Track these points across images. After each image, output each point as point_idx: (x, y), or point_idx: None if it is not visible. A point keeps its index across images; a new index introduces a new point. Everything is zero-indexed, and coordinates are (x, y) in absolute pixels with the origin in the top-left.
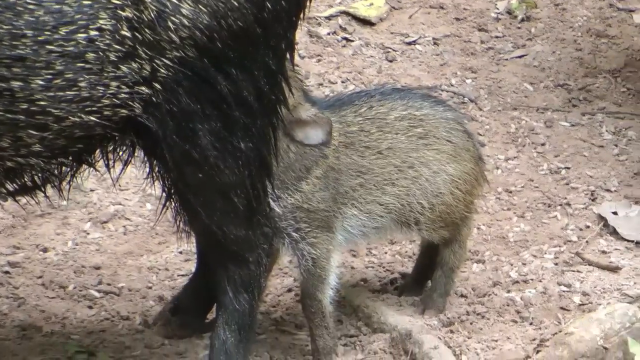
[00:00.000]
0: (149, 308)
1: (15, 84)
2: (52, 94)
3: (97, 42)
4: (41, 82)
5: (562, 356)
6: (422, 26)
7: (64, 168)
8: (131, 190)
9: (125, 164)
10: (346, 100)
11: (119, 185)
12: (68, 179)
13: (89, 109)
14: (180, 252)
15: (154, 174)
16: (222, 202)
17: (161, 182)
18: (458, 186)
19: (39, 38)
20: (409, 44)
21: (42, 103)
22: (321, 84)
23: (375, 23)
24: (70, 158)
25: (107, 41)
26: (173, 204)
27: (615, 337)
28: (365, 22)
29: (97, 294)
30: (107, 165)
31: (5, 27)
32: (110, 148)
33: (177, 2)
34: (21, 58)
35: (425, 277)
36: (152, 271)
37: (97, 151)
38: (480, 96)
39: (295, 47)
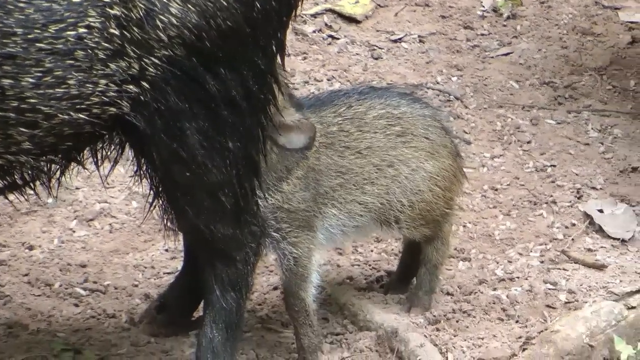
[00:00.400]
0: (135, 306)
1: (6, 81)
2: (41, 91)
3: (85, 40)
4: (31, 80)
5: (548, 354)
6: (407, 24)
7: (53, 165)
8: (117, 188)
9: (115, 162)
10: (326, 100)
11: (106, 184)
12: (57, 176)
13: (78, 106)
14: (167, 250)
15: (142, 172)
16: (210, 201)
17: (149, 181)
18: (437, 183)
19: (29, 36)
20: (395, 41)
21: (32, 101)
22: (307, 82)
23: (361, 21)
24: (60, 156)
25: (96, 39)
26: (160, 202)
27: (601, 335)
28: (351, 19)
29: (83, 292)
30: (96, 164)
31: None
32: (99, 146)
33: (166, 1)
34: (11, 56)
35: (410, 275)
36: (138, 269)
37: (86, 149)
38: (466, 94)
39: (286, 47)
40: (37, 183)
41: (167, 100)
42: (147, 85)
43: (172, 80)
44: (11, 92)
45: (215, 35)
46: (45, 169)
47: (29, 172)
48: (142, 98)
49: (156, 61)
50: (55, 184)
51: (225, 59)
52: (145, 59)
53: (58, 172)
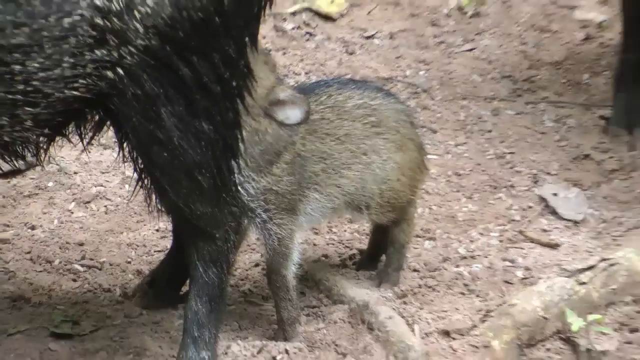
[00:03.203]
0: (128, 281)
1: (16, 67)
2: (43, 74)
3: (77, 28)
4: (35, 65)
5: (505, 325)
6: (379, 21)
7: (41, 138)
8: (112, 173)
9: (93, 137)
10: (308, 90)
11: (102, 170)
12: (45, 147)
13: (70, 85)
14: (157, 230)
15: (125, 154)
16: (188, 181)
17: (132, 163)
18: (404, 173)
19: (34, 26)
20: (367, 38)
21: (35, 83)
22: (286, 75)
23: (336, 19)
24: (49, 130)
25: (85, 27)
26: (144, 183)
27: (554, 308)
28: (327, 17)
29: (80, 268)
30: (80, 135)
31: (8, 17)
32: (85, 124)
33: None
34: (21, 45)
35: (380, 253)
36: (131, 247)
37: (72, 124)
38: (433, 87)
39: (259, 37)
40: (28, 154)
41: (143, 85)
42: (125, 72)
43: (147, 67)
44: (19, 76)
45: (188, 26)
46: (37, 141)
47: (26, 145)
48: (120, 84)
49: (133, 50)
50: (43, 155)
51: (198, 48)
52: (123, 47)
53: (46, 144)
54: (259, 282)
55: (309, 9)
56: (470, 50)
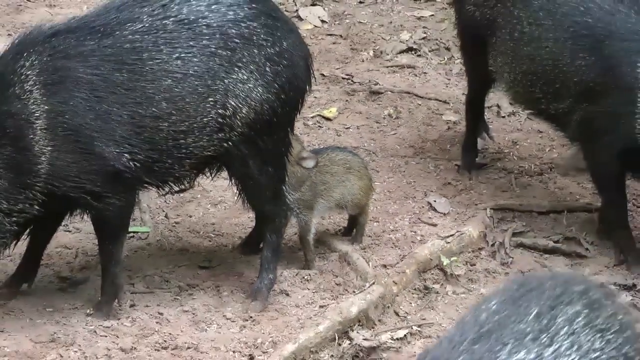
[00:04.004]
0: (238, 239)
1: (181, 141)
2: (194, 144)
3: (210, 123)
4: (189, 140)
5: (412, 262)
6: (352, 120)
7: (192, 175)
8: (227, 191)
9: (216, 174)
10: (317, 152)
11: (223, 189)
12: (193, 179)
13: (206, 150)
14: (249, 218)
15: (230, 181)
16: (261, 195)
17: (235, 186)
18: (363, 190)
19: (191, 121)
20: (346, 128)
21: (190, 148)
22: (308, 144)
23: (332, 119)
24: (196, 171)
25: (213, 123)
26: (240, 195)
27: (435, 254)
28: (327, 119)
29: (213, 236)
30: (211, 174)
31: (178, 119)
32: (214, 168)
33: (240, 105)
34: (184, 130)
35: (352, 228)
36: (237, 225)
37: (207, 168)
38: (377, 150)
39: (295, 127)
40: (186, 182)
41: (240, 150)
42: (232, 143)
43: (242, 142)
44: (184, 146)
45: (262, 122)
46: (190, 176)
47: (185, 178)
48: (230, 149)
49: (236, 133)
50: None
51: (266, 132)
52: (231, 132)
53: (194, 178)
54: (295, 242)
55: (319, 115)
56: (393, 134)
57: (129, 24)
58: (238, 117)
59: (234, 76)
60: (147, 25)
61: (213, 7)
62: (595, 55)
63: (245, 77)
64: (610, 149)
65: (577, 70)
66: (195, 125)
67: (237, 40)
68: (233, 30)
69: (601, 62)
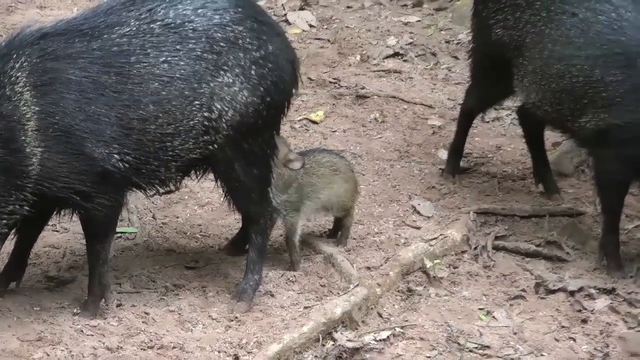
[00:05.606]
0: (224, 240)
1: (168, 144)
2: (181, 147)
3: (196, 126)
4: (176, 143)
5: (396, 264)
6: (338, 124)
7: (178, 177)
8: (214, 193)
9: (202, 176)
10: (304, 153)
11: (209, 190)
12: (180, 181)
13: (192, 150)
14: (235, 219)
15: (217, 183)
16: (247, 196)
17: (221, 188)
18: (348, 193)
19: (177, 124)
20: (332, 132)
21: (177, 151)
22: (295, 146)
23: (318, 123)
24: (182, 173)
25: (199, 126)
26: (226, 197)
27: (418, 257)
28: (314, 122)
29: (199, 237)
30: (196, 175)
31: (170, 120)
32: (200, 170)
33: (226, 108)
34: (170, 133)
35: (337, 231)
36: (224, 227)
37: (192, 170)
38: (363, 154)
39: (282, 130)
40: (171, 185)
41: (226, 152)
42: (217, 146)
43: (227, 144)
44: (170, 148)
45: (247, 124)
46: (176, 178)
47: (170, 180)
48: (215, 151)
49: (221, 136)
50: (178, 185)
51: (252, 134)
52: (217, 135)
53: (180, 180)
54: (281, 243)
55: (306, 118)
56: (379, 138)
57: (116, 27)
58: (224, 120)
59: (219, 79)
60: (134, 28)
61: (199, 11)
62: (628, 72)
63: (230, 80)
64: (625, 159)
65: (608, 86)
66: (181, 127)
67: (222, 44)
68: (219, 34)
69: (633, 79)
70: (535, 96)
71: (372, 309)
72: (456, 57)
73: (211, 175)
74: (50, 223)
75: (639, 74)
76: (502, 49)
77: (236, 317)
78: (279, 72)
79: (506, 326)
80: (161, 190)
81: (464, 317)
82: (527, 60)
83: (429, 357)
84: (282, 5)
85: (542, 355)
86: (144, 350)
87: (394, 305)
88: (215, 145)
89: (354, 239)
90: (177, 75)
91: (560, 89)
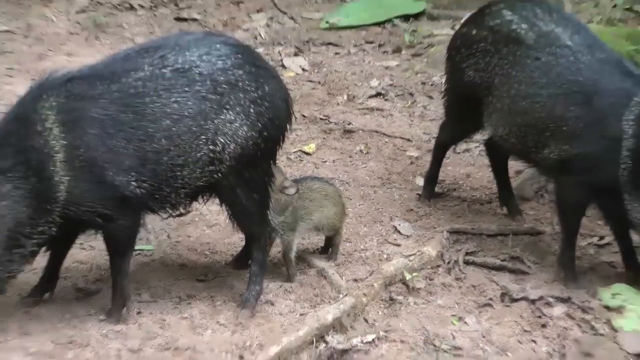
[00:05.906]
0: (230, 257)
1: (178, 173)
2: (190, 175)
3: (203, 157)
4: (185, 172)
5: (379, 277)
6: (328, 155)
7: (187, 201)
8: (220, 215)
9: (208, 200)
10: (298, 181)
11: (216, 212)
12: (189, 205)
13: (200, 177)
14: (240, 238)
15: (222, 206)
16: (249, 219)
17: (225, 211)
18: (337, 215)
19: (188, 158)
20: (323, 162)
21: (186, 180)
22: (291, 175)
23: (311, 154)
24: (190, 198)
25: (205, 158)
26: (231, 219)
27: (399, 270)
28: (307, 153)
29: (208, 253)
30: (204, 201)
31: (178, 152)
32: (207, 195)
33: (228, 142)
34: (180, 164)
35: (328, 248)
36: (229, 245)
37: (200, 196)
38: (350, 181)
39: (278, 160)
40: (181, 208)
41: (229, 180)
42: (221, 174)
43: (230, 173)
44: (180, 177)
45: (247, 156)
46: (185, 203)
47: (181, 204)
48: (220, 179)
49: (225, 166)
50: (187, 208)
51: (251, 164)
52: (220, 165)
53: (189, 204)
54: (279, 259)
55: (300, 150)
56: (364, 167)
57: (132, 72)
58: (226, 152)
59: (222, 117)
60: (148, 73)
61: (204, 57)
62: (586, 109)
63: (232, 117)
64: (585, 185)
65: (568, 120)
66: (190, 159)
67: (225, 86)
68: (222, 78)
69: (591, 114)
70: (502, 130)
71: (359, 315)
72: (431, 97)
73: (217, 200)
74: (78, 242)
75: (595, 110)
76: (474, 89)
77: (241, 323)
78: (275, 110)
79: (476, 330)
80: (173, 214)
81: (439, 322)
82: (496, 98)
83: (408, 357)
84: (279, 52)
85: (507, 355)
86: (161, 351)
87: (378, 312)
88: (220, 174)
89: (343, 254)
90: (186, 114)
91: (526, 124)
